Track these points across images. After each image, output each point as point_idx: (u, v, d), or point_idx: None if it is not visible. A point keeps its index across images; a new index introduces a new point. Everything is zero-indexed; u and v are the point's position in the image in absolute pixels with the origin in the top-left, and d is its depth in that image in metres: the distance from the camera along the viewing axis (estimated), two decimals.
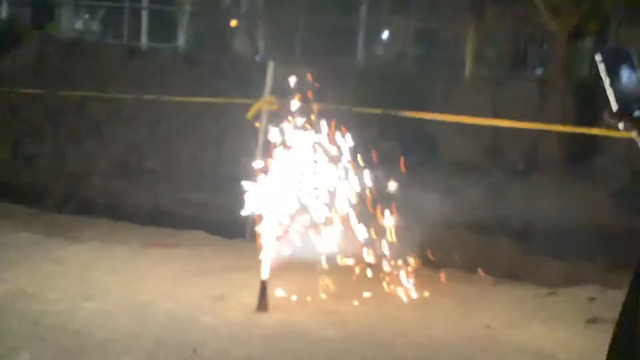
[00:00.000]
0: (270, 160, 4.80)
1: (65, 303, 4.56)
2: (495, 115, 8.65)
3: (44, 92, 8.73)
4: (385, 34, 12.30)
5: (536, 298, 5.44)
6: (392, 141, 8.34)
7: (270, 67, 6.71)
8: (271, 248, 4.83)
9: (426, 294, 5.37)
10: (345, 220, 5.02)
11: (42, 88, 8.77)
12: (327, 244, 4.95)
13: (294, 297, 4.93)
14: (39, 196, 7.70)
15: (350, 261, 5.28)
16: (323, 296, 5.03)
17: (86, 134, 8.72)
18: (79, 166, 8.26)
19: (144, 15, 13.28)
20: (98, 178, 8.03)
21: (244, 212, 4.85)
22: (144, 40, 13.10)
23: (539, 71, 10.16)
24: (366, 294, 5.17)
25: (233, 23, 12.65)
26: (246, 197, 4.75)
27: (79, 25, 13.18)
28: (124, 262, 5.61)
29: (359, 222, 5.07)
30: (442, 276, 6.00)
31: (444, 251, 6.37)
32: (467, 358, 4.23)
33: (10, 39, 10.16)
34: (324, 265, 5.06)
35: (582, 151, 8.28)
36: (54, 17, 12.65)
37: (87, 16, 13.52)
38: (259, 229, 4.86)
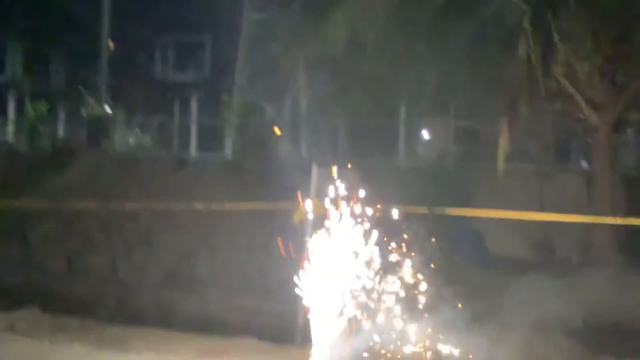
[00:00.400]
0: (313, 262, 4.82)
1: None
2: (543, 209, 8.56)
3: (98, 205, 9.04)
4: (425, 134, 12.50)
5: None
6: (439, 240, 8.28)
7: (314, 170, 6.85)
8: (325, 354, 4.75)
9: None
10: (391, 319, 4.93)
11: (96, 201, 9.09)
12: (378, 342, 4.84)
13: None
14: (92, 307, 7.81)
15: None
16: None
17: (138, 243, 8.91)
18: (131, 276, 8.40)
19: (193, 128, 13.87)
20: (149, 287, 8.12)
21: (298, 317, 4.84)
22: (192, 152, 13.61)
23: (584, 163, 10.11)
24: None
25: (276, 131, 13.06)
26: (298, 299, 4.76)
27: (131, 140, 13.81)
28: None
29: (408, 323, 4.98)
30: None
31: (501, 353, 6.14)
32: None
33: (66, 156, 10.66)
34: None
35: (635, 243, 8.05)
36: (107, 134, 13.30)
37: (138, 131, 14.17)
38: (312, 333, 4.82)
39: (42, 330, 6.92)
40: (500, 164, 8.03)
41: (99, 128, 12.92)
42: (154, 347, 6.39)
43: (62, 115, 15.18)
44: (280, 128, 12.96)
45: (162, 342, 6.73)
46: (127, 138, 13.86)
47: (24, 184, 9.55)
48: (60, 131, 14.76)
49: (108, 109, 13.96)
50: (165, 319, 7.59)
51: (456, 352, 5.27)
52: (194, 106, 14.22)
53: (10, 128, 15.26)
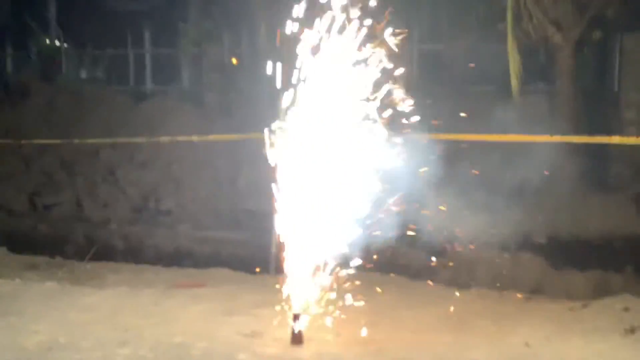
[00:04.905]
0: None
1: (99, 351, 4.54)
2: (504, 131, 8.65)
3: (58, 142, 8.82)
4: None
5: (570, 311, 5.39)
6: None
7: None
8: (302, 281, 4.82)
9: (457, 314, 5.34)
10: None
11: (54, 138, 8.86)
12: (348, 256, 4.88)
13: (326, 328, 4.89)
14: (60, 245, 7.72)
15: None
16: (355, 324, 4.99)
17: (102, 180, 8.76)
18: (97, 213, 8.29)
19: (148, 59, 13.43)
20: (116, 223, 8.05)
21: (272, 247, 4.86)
22: (148, 84, 13.22)
23: (542, 84, 10.19)
24: (398, 319, 5.14)
25: (233, 61, 12.75)
26: (273, 230, 4.78)
27: (84, 74, 13.31)
28: (152, 305, 5.59)
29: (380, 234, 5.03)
30: (471, 296, 5.96)
31: (469, 270, 6.34)
32: None
33: (19, 92, 10.28)
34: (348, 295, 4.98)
35: (596, 160, 8.25)
36: (60, 69, 12.81)
37: (90, 65, 13.64)
38: (287, 263, 4.86)
39: (11, 269, 6.84)
40: (514, 83, 7.85)
41: (50, 63, 12.42)
42: (128, 281, 6.40)
43: (9, 51, 14.50)
44: (239, 58, 12.65)
45: (136, 275, 6.75)
46: (79, 72, 13.37)
47: None
48: (9, 67, 14.16)
49: (58, 43, 13.38)
50: (135, 254, 7.58)
51: None
52: (147, 37, 13.72)
53: None
